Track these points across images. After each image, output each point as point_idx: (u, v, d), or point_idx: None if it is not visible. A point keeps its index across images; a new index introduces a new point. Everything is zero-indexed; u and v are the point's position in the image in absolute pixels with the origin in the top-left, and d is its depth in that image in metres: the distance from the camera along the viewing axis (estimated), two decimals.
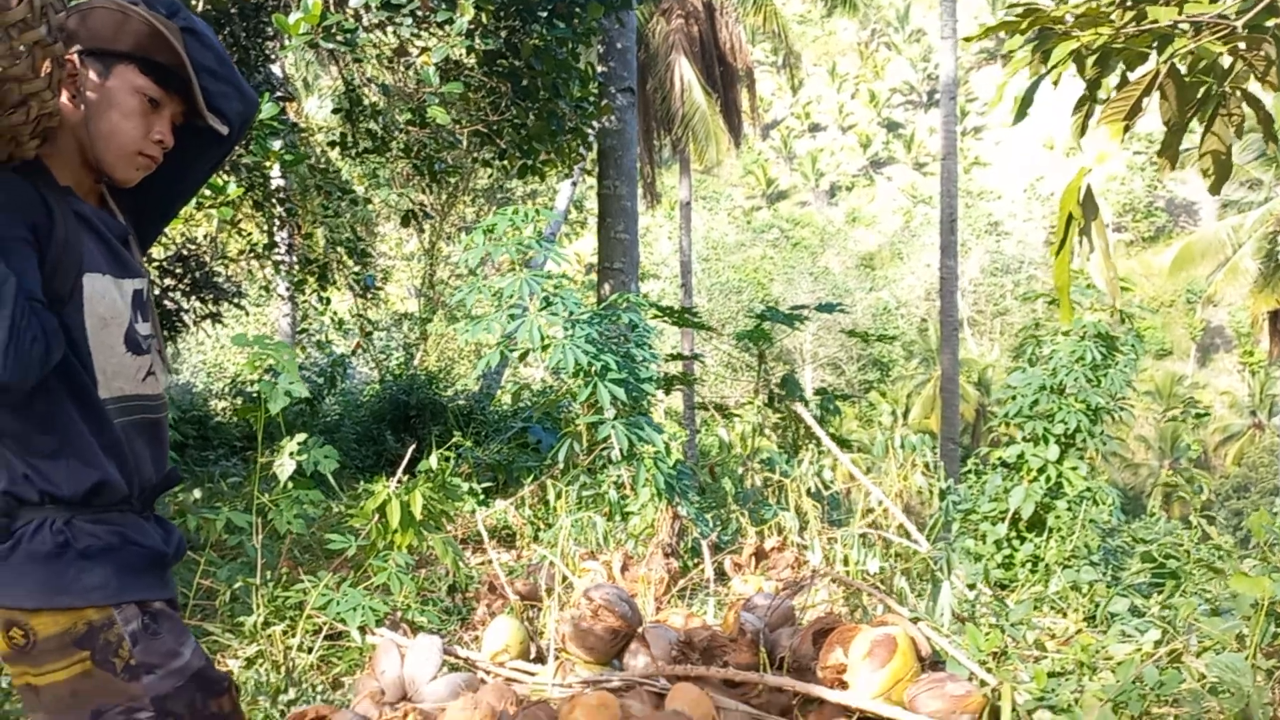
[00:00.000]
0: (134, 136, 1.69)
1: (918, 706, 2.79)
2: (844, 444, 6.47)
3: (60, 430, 1.61)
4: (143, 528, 1.71)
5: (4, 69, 1.46)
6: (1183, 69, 2.37)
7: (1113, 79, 2.49)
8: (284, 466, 3.94)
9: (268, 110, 5.21)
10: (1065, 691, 2.74)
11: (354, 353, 13.75)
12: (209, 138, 1.82)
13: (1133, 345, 5.54)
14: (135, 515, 1.71)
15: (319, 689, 3.82)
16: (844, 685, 2.97)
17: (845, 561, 4.62)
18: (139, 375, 1.73)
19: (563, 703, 3.01)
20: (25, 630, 1.55)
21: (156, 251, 9.64)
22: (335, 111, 7.35)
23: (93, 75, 1.66)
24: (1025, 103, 2.52)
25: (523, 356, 5.66)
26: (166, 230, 9.27)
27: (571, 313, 5.19)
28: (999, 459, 5.71)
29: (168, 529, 1.78)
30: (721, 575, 4.89)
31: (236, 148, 2.06)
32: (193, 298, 9.35)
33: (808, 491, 5.43)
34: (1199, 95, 2.40)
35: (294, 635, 3.99)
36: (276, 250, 9.22)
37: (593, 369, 5.09)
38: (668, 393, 8.77)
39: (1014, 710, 2.74)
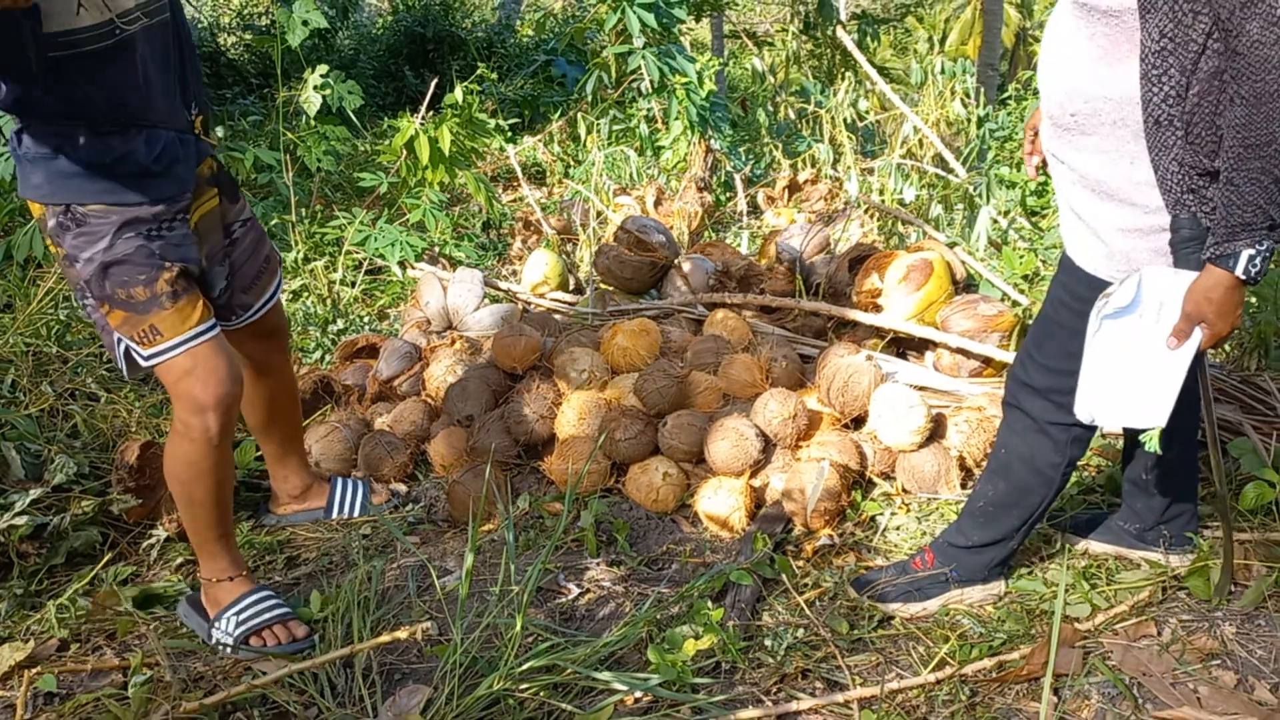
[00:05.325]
0: None
1: (949, 326, 2.87)
2: (881, 73, 6.17)
3: None
4: None
5: None
6: None
7: None
8: (310, 100, 3.82)
9: None
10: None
11: None
12: None
13: None
14: None
15: (365, 320, 3.98)
16: (878, 309, 3.04)
17: (881, 192, 4.57)
18: None
19: (604, 329, 3.12)
20: None
21: None
22: None
23: None
24: None
25: None
26: None
27: None
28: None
29: None
30: (755, 209, 4.89)
31: None
32: None
33: (843, 122, 5.27)
34: None
35: (335, 270, 4.09)
36: None
37: None
38: (698, 19, 8.28)
39: None
